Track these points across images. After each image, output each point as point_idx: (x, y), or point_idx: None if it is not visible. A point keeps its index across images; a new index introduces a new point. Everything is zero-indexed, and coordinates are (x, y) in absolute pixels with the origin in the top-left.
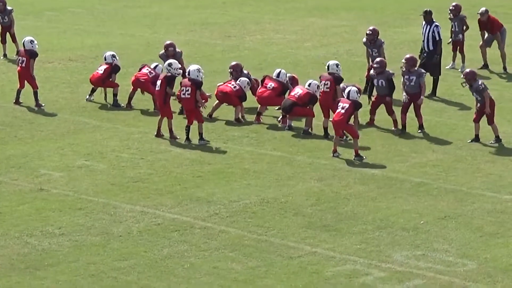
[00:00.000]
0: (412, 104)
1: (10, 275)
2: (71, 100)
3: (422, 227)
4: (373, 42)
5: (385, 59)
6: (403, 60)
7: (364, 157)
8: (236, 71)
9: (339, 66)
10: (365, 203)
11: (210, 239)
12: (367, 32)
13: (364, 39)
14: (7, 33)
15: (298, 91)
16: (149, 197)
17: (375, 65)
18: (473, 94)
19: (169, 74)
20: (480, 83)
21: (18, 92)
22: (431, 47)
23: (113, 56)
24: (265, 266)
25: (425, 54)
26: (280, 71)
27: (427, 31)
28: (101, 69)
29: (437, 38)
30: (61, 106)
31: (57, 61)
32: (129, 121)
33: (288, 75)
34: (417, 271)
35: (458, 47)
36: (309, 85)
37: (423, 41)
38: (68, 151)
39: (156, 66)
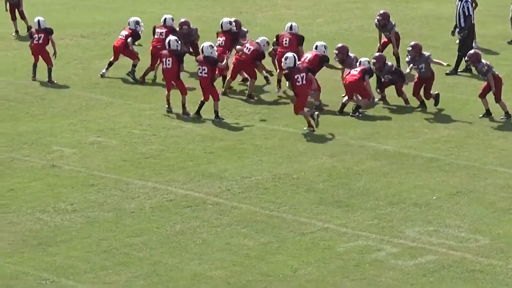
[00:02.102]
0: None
1: (23, 251)
2: (83, 76)
3: (434, 202)
4: (384, 26)
5: (398, 40)
6: (409, 48)
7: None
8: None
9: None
10: (377, 178)
11: (222, 215)
12: (378, 17)
13: (376, 21)
14: (16, 10)
15: (307, 55)
16: (161, 173)
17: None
18: (479, 75)
19: (179, 50)
20: (484, 64)
21: (34, 66)
22: (462, 24)
23: (137, 22)
24: (277, 242)
25: (457, 30)
26: (291, 24)
27: (459, 7)
28: (122, 35)
29: (466, 14)
30: (73, 83)
31: (68, 38)
32: (141, 97)
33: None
34: (430, 247)
35: None
36: (316, 48)
37: (456, 17)
38: (80, 127)
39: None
